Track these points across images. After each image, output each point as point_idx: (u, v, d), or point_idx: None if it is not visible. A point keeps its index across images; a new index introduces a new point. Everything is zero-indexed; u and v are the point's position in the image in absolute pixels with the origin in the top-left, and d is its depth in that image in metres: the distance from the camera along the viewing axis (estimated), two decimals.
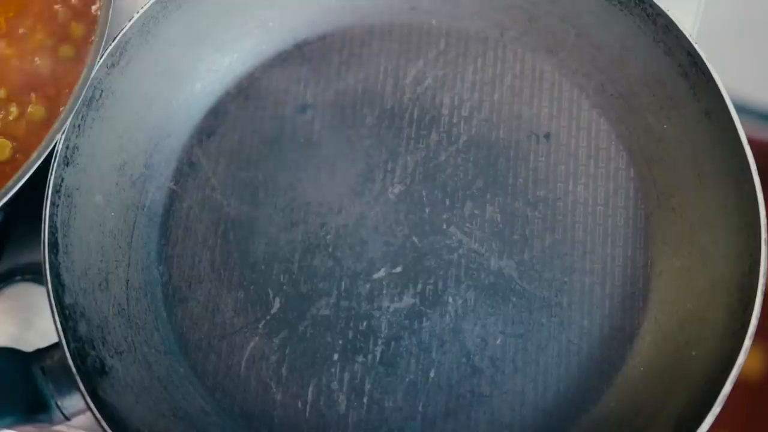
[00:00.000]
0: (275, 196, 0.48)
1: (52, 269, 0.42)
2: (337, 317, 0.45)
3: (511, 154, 0.48)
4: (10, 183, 0.40)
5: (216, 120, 0.49)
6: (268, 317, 0.46)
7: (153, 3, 0.46)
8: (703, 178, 0.45)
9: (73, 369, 0.40)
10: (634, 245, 0.46)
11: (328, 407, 0.44)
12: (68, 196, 0.44)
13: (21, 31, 0.45)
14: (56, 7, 0.45)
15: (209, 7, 0.49)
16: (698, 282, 0.44)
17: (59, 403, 0.41)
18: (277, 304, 0.46)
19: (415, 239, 0.47)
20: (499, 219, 0.47)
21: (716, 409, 0.40)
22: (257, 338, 0.45)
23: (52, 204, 0.43)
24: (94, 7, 0.45)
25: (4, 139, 0.43)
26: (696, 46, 0.45)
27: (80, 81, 0.43)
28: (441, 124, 0.49)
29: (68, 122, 0.43)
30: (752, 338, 0.40)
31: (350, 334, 0.45)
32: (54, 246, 0.42)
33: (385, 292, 0.46)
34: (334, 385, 0.44)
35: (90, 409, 0.40)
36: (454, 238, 0.47)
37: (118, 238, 0.46)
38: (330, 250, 0.47)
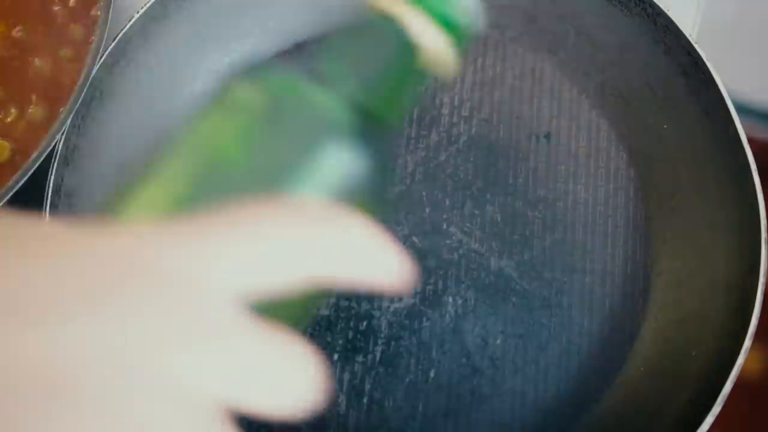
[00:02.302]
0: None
1: None
2: (337, 317, 0.45)
3: (511, 154, 0.48)
4: (10, 183, 0.40)
5: None
6: None
7: (153, 3, 0.46)
8: (703, 178, 0.45)
9: None
10: (634, 245, 0.46)
11: (328, 407, 0.44)
12: (68, 196, 0.44)
13: (20, 32, 0.45)
14: (55, 8, 0.45)
15: (209, 7, 0.49)
16: (698, 282, 0.44)
17: None
18: None
19: (415, 239, 0.47)
20: (499, 219, 0.47)
21: (716, 409, 0.39)
22: None
23: (52, 204, 0.43)
24: (93, 10, 0.45)
25: (3, 141, 0.43)
26: (696, 46, 0.45)
27: (80, 81, 0.43)
28: (441, 124, 0.49)
29: (68, 122, 0.43)
30: (752, 338, 0.40)
31: (350, 334, 0.45)
32: None
33: None
34: (334, 385, 0.44)
35: None
36: (454, 238, 0.47)
37: None
38: None
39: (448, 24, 0.26)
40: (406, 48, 0.26)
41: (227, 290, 0.20)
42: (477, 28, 0.27)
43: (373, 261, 0.21)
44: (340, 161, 0.24)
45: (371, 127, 0.26)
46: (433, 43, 0.26)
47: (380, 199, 0.26)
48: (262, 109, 0.25)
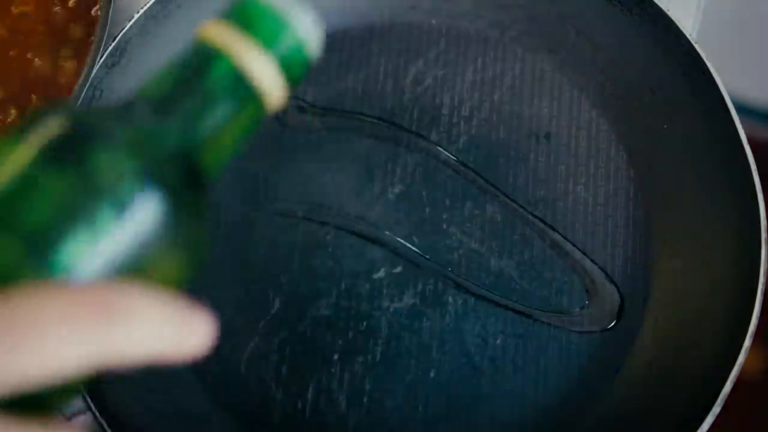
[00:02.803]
0: (275, 197, 0.48)
1: None
2: (337, 317, 0.45)
3: (511, 154, 0.48)
4: None
5: None
6: (268, 317, 0.46)
7: (153, 3, 0.46)
8: (703, 178, 0.45)
9: None
10: (634, 245, 0.46)
11: (328, 407, 0.44)
12: None
13: (20, 33, 0.45)
14: (55, 9, 0.45)
15: (209, 6, 0.48)
16: (698, 282, 0.44)
17: None
18: (277, 304, 0.46)
19: (415, 239, 0.47)
20: (499, 219, 0.47)
21: (716, 409, 0.40)
22: (257, 338, 0.45)
23: None
24: (93, 9, 0.45)
25: None
26: (696, 46, 0.45)
27: (80, 81, 0.43)
28: (441, 124, 0.49)
29: None
30: (752, 338, 0.40)
31: (350, 334, 0.45)
32: None
33: (385, 292, 0.46)
34: (334, 385, 0.44)
35: (90, 409, 0.40)
36: (454, 238, 0.47)
37: None
38: (330, 250, 0.47)
39: (284, 55, 0.23)
40: (232, 84, 0.23)
41: None
42: (314, 59, 0.24)
43: (157, 338, 0.20)
44: (135, 224, 0.20)
45: (183, 180, 0.22)
46: (264, 78, 0.23)
47: (182, 265, 0.22)
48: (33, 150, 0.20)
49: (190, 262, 0.23)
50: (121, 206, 0.20)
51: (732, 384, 0.40)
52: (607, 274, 0.46)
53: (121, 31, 0.45)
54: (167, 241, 0.21)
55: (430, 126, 0.49)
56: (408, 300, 0.46)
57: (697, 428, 0.39)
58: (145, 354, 0.20)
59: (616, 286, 0.46)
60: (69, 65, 0.44)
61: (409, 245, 0.46)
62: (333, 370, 0.45)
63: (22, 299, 0.19)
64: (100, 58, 0.44)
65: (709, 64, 0.45)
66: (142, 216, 0.21)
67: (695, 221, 0.45)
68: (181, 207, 0.21)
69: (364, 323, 0.45)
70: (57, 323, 0.19)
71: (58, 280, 0.20)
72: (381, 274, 0.46)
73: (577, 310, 0.45)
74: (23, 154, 0.20)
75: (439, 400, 0.44)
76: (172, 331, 0.20)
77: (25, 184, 0.20)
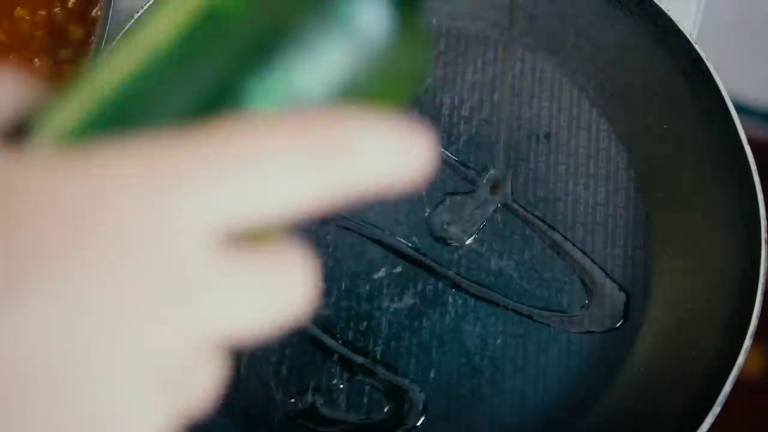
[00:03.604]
0: None
1: None
2: (337, 317, 0.45)
3: (511, 154, 0.48)
4: None
5: None
6: None
7: (153, 3, 0.46)
8: (703, 178, 0.45)
9: None
10: (634, 245, 0.46)
11: (328, 407, 0.44)
12: None
13: (20, 34, 0.45)
14: (55, 10, 0.45)
15: None
16: (698, 282, 0.44)
17: None
18: None
19: (415, 239, 0.47)
20: (499, 219, 0.47)
21: (716, 409, 0.40)
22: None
23: None
24: (93, 10, 0.45)
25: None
26: (696, 46, 0.45)
27: None
28: (441, 124, 0.49)
29: None
30: (752, 338, 0.40)
31: (350, 334, 0.45)
32: None
33: (385, 292, 0.46)
34: (334, 385, 0.44)
35: None
36: (454, 238, 0.47)
37: None
38: (330, 250, 0.47)
39: None
40: None
41: (196, 230, 0.16)
42: None
43: (387, 163, 0.18)
44: (356, 37, 0.18)
45: None
46: None
47: (405, 81, 0.20)
48: None
49: (411, 77, 0.20)
50: (342, 18, 0.18)
51: (732, 384, 0.40)
52: (607, 274, 0.46)
53: (121, 32, 0.45)
54: (391, 56, 0.19)
55: (430, 126, 0.49)
56: (408, 300, 0.46)
57: (697, 428, 0.39)
58: (371, 186, 0.18)
59: (618, 285, 0.46)
60: (69, 66, 0.44)
61: (409, 245, 0.46)
62: (333, 370, 0.45)
63: (236, 130, 0.17)
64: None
65: (709, 64, 0.45)
66: (364, 27, 0.19)
67: (695, 221, 0.45)
68: (404, 17, 0.19)
69: (364, 323, 0.45)
70: (275, 157, 0.17)
71: (273, 110, 0.18)
72: (381, 274, 0.46)
73: (578, 310, 0.45)
74: None
75: (439, 400, 0.44)
76: (398, 157, 0.19)
77: None
